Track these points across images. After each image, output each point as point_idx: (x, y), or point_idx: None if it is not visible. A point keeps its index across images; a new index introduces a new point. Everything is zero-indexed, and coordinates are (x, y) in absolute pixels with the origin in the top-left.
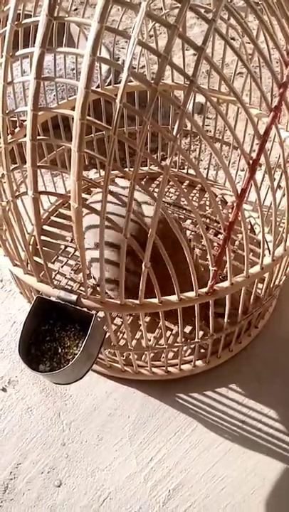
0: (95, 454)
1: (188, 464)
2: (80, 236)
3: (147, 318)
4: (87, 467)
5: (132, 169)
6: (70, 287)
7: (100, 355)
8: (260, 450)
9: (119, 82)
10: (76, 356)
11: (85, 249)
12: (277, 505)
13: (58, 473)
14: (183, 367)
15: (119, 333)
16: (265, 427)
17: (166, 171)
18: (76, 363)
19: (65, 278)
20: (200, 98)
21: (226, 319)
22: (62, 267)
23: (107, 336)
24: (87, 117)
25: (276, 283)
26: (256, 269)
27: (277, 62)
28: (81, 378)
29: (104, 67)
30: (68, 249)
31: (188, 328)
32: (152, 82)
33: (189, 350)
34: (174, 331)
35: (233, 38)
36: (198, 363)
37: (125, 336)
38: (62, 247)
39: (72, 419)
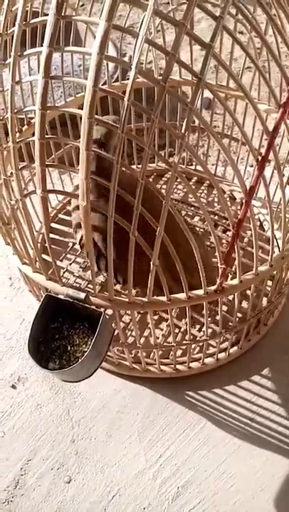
0: (104, 450)
1: (197, 461)
2: (88, 234)
3: (156, 316)
4: (97, 464)
5: (139, 166)
6: (78, 285)
7: (108, 353)
8: (269, 448)
9: (127, 79)
10: (85, 354)
11: (93, 247)
12: (287, 503)
13: (68, 469)
14: (192, 365)
15: (127, 331)
16: (274, 425)
17: (174, 169)
18: (85, 360)
19: (74, 276)
20: (208, 93)
21: (235, 317)
22: (70, 264)
23: (115, 333)
24: (95, 116)
25: (285, 280)
26: (265, 266)
27: (286, 56)
28: (90, 376)
29: (112, 64)
30: (76, 246)
31: (196, 326)
32: (160, 79)
33: (198, 348)
34: (182, 329)
35: (241, 32)
36: (207, 360)
37: (133, 333)
38: (71, 244)
39: (82, 416)
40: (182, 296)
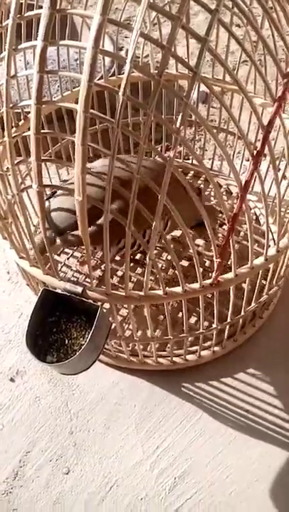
0: (102, 442)
1: (193, 452)
2: (85, 228)
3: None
4: (95, 455)
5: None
6: (75, 279)
7: (106, 346)
8: (265, 439)
9: (123, 73)
10: (83, 347)
11: (89, 240)
12: (282, 493)
13: (66, 460)
14: (188, 357)
15: (124, 324)
16: (270, 416)
17: (169, 163)
18: (83, 353)
19: (71, 270)
20: (205, 87)
21: (230, 310)
22: (68, 259)
23: (112, 326)
24: (91, 110)
25: (281, 274)
26: (261, 260)
27: (283, 50)
28: (88, 368)
29: (108, 58)
30: None
31: (193, 319)
32: (155, 73)
33: (194, 341)
34: (178, 322)
35: (238, 25)
36: (204, 353)
37: (131, 326)
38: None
39: (80, 409)
40: (178, 289)
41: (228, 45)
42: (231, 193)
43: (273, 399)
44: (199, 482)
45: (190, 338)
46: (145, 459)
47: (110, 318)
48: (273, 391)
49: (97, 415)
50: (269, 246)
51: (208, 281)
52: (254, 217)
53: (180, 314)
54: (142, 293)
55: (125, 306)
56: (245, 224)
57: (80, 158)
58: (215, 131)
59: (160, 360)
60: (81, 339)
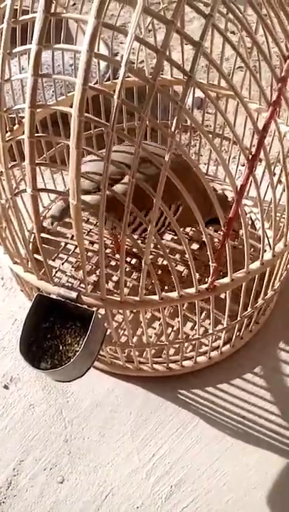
0: (97, 450)
1: (189, 460)
2: (80, 233)
3: (148, 315)
4: (90, 463)
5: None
6: (70, 284)
7: (101, 352)
8: (262, 445)
9: (118, 78)
10: (77, 353)
11: (84, 245)
12: (279, 500)
13: (61, 469)
14: (184, 363)
15: (120, 330)
16: (267, 423)
17: (164, 168)
18: (77, 360)
19: (66, 275)
20: (200, 92)
21: (226, 315)
22: (62, 264)
23: (108, 333)
24: (85, 114)
25: (277, 279)
26: (256, 264)
27: (277, 56)
28: (82, 375)
29: (103, 63)
30: (69, 246)
31: (189, 325)
32: (150, 77)
33: (191, 347)
34: (174, 328)
35: (232, 32)
36: (200, 359)
37: (126, 332)
38: (63, 244)
39: (74, 416)
40: (174, 294)
41: (222, 51)
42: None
43: (270, 405)
44: (196, 490)
45: (186, 344)
46: (141, 467)
47: (105, 324)
48: (270, 397)
49: (92, 423)
50: (265, 251)
51: (204, 286)
52: (250, 221)
53: (176, 320)
54: (137, 298)
55: (121, 311)
56: (242, 229)
57: (74, 161)
58: (210, 136)
59: (156, 366)
60: (76, 345)
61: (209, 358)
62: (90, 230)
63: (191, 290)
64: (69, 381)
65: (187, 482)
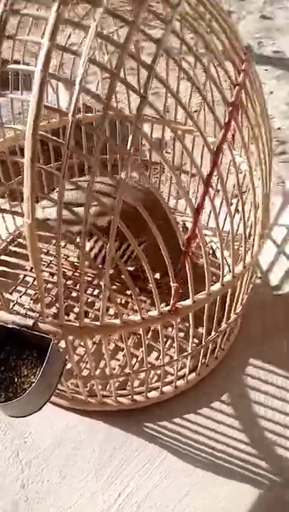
0: (58, 493)
1: (158, 497)
2: (35, 254)
3: (111, 346)
4: (50, 508)
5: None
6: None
7: (61, 387)
8: (233, 476)
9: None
10: (33, 384)
11: (41, 273)
12: None
13: None
14: (150, 394)
15: (81, 364)
16: (236, 452)
17: (121, 185)
18: (33, 391)
19: (24, 308)
20: (157, 133)
21: (190, 340)
22: (20, 297)
23: (68, 365)
24: (40, 132)
25: (239, 302)
26: (218, 286)
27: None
28: (39, 409)
29: (63, 103)
30: (27, 278)
31: (154, 354)
32: (104, 98)
33: (156, 377)
34: (139, 358)
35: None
36: (165, 389)
37: (88, 365)
38: (21, 276)
39: (33, 457)
40: (136, 318)
41: (177, 89)
42: (187, 229)
43: (239, 433)
44: None
45: (151, 374)
46: (106, 509)
47: (66, 357)
48: (239, 425)
49: (53, 463)
50: (225, 275)
51: (167, 308)
52: (211, 251)
53: (140, 350)
54: (97, 323)
55: (82, 343)
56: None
57: (28, 178)
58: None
59: (120, 399)
60: (32, 377)
61: (175, 387)
62: (50, 261)
63: (154, 313)
64: (24, 416)
65: None
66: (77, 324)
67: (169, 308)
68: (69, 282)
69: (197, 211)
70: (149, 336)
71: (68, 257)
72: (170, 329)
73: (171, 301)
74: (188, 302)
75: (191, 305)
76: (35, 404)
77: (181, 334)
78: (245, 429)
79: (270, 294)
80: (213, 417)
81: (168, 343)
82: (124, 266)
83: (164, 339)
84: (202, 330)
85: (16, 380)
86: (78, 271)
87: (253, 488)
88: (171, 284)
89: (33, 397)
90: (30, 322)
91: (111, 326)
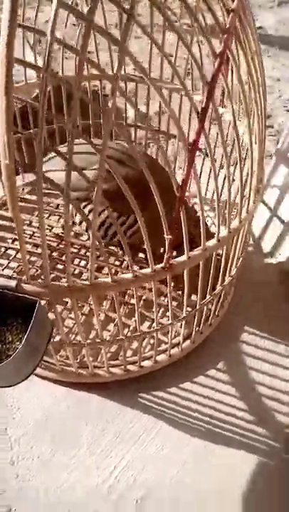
0: (49, 469)
1: (155, 469)
2: (14, 201)
3: (102, 316)
4: (41, 485)
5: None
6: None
7: (50, 360)
8: (231, 444)
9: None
10: (18, 349)
11: (22, 224)
12: (254, 499)
13: (7, 497)
14: (143, 363)
15: (71, 335)
16: (234, 419)
17: (108, 117)
18: (18, 356)
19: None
20: (143, 108)
21: (185, 300)
22: (3, 270)
23: (57, 338)
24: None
25: (233, 265)
26: (213, 241)
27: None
28: (26, 378)
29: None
30: (9, 251)
31: (146, 324)
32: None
33: (149, 346)
34: (131, 327)
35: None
36: (159, 357)
37: (77, 329)
38: (3, 250)
39: (22, 434)
40: (128, 276)
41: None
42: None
43: (237, 400)
44: (163, 500)
45: (144, 343)
46: (101, 483)
47: (51, 315)
48: (236, 392)
49: (43, 439)
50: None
51: (160, 266)
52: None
53: (133, 319)
54: (87, 282)
55: (71, 315)
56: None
57: (3, 110)
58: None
59: (113, 369)
60: (17, 343)
61: (169, 355)
62: (34, 232)
63: (147, 270)
64: (11, 385)
65: (154, 493)
66: (65, 284)
67: (162, 264)
68: (55, 254)
69: (194, 144)
70: (141, 305)
71: (52, 227)
72: (162, 298)
73: (165, 256)
74: (182, 258)
75: (186, 261)
76: (21, 371)
77: (175, 303)
78: (243, 396)
79: (262, 261)
80: (209, 385)
81: (161, 311)
82: (121, 231)
83: (157, 308)
84: (196, 298)
85: (0, 346)
86: (63, 242)
87: (252, 455)
88: (165, 236)
89: (18, 363)
90: (13, 283)
91: (101, 284)
